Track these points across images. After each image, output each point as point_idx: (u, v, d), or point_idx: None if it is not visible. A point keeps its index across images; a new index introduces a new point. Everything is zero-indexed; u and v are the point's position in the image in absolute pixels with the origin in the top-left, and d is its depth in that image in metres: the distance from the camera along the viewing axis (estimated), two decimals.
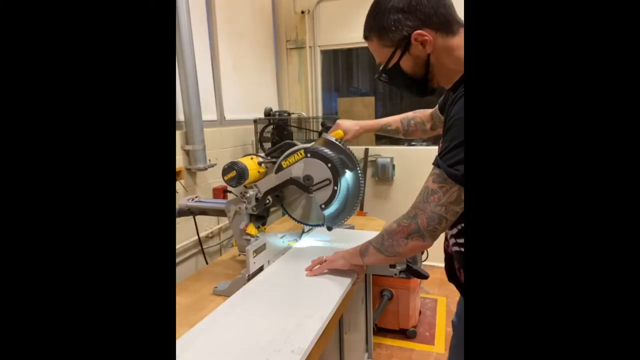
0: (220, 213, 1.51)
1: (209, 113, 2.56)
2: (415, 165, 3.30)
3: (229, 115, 2.80)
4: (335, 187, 1.29)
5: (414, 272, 1.34)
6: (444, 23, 0.84)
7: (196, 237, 2.35)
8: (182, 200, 1.57)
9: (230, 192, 2.58)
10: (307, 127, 2.82)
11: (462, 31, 0.87)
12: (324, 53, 3.66)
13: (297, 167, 1.31)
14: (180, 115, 2.26)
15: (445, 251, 1.10)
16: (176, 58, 2.10)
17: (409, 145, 3.57)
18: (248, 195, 1.38)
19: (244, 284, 1.20)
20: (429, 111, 1.36)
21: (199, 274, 1.49)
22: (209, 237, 2.52)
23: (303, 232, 1.64)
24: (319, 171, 1.30)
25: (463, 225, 0.96)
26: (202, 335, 0.92)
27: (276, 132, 2.70)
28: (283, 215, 1.58)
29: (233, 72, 2.88)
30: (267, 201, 1.38)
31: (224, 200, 1.59)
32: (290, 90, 3.72)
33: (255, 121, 2.77)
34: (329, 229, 1.37)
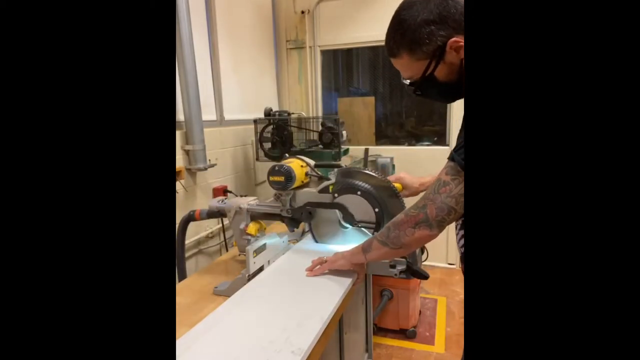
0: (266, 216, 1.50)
1: (208, 113, 2.56)
2: (416, 165, 3.30)
3: (228, 116, 2.80)
4: (374, 232, 1.29)
5: (414, 272, 1.34)
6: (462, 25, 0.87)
7: (196, 237, 2.36)
8: (234, 201, 1.52)
9: (230, 191, 2.59)
10: (307, 127, 2.82)
11: None
12: (324, 53, 3.66)
13: (345, 197, 1.33)
14: (180, 115, 2.26)
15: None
16: (176, 58, 2.10)
17: (409, 145, 3.57)
18: (282, 198, 1.39)
19: (244, 284, 1.20)
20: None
21: (199, 274, 1.49)
22: (209, 237, 2.52)
23: (303, 232, 1.64)
24: (366, 212, 1.30)
25: None
26: (202, 335, 0.92)
27: (276, 132, 2.70)
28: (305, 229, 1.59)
29: (233, 72, 2.88)
30: (302, 213, 1.39)
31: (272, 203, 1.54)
32: (290, 90, 3.72)
33: (255, 121, 2.77)
34: None
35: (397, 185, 1.34)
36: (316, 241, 1.44)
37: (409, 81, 0.97)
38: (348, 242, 1.38)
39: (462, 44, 0.85)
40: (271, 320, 0.97)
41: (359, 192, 1.30)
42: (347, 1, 3.42)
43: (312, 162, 1.46)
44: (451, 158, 0.89)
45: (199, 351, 0.86)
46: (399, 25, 0.90)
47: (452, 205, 0.88)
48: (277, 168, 1.34)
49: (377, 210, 1.29)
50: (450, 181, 0.88)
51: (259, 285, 1.19)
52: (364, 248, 1.11)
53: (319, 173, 1.44)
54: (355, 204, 1.31)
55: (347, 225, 1.36)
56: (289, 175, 1.32)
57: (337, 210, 1.35)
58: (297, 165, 1.39)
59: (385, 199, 1.29)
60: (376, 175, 1.30)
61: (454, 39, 0.85)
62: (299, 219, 1.42)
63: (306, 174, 1.42)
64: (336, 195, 1.34)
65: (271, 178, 1.34)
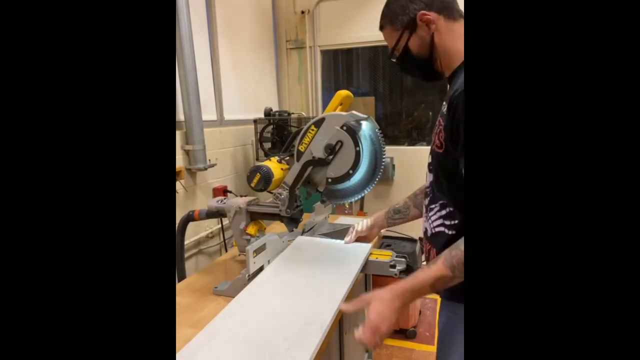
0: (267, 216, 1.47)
1: (208, 113, 2.56)
2: (416, 165, 3.29)
3: (228, 115, 2.80)
4: (358, 148, 1.22)
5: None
6: (445, 7, 0.95)
7: (196, 237, 2.36)
8: (236, 201, 1.49)
9: (230, 191, 2.59)
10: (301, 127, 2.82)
11: (462, 20, 0.96)
12: (324, 53, 3.66)
13: (316, 144, 1.24)
14: (180, 115, 2.26)
15: (426, 232, 1.06)
16: (176, 58, 2.10)
17: (409, 145, 3.57)
18: (282, 197, 1.36)
19: (244, 284, 1.20)
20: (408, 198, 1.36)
21: (199, 274, 1.49)
22: (209, 237, 2.52)
23: (304, 231, 1.64)
24: (334, 136, 1.22)
25: (452, 209, 0.95)
26: (204, 347, 0.90)
27: (276, 132, 2.70)
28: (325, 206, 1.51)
29: (233, 72, 2.88)
30: (297, 198, 1.34)
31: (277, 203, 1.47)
32: (290, 90, 3.72)
33: (255, 121, 2.77)
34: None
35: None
36: (344, 202, 1.33)
37: (393, 57, 1.05)
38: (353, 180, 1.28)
39: (431, 17, 0.94)
40: (271, 329, 0.95)
41: (318, 127, 1.22)
42: (347, 1, 3.42)
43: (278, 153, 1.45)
44: (461, 156, 0.88)
45: None
46: (386, 1, 1.03)
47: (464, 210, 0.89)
48: (249, 173, 1.33)
49: (342, 127, 1.21)
50: None
51: (259, 288, 1.18)
52: (436, 287, 0.89)
53: (289, 153, 1.37)
54: (329, 136, 1.23)
55: (330, 161, 1.24)
56: (263, 171, 1.31)
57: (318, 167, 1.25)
58: (266, 162, 1.39)
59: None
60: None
61: (422, 12, 0.94)
62: (302, 211, 1.39)
63: (279, 161, 1.40)
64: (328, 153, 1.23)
65: (252, 184, 1.33)
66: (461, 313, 0.88)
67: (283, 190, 1.35)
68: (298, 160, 1.29)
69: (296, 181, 1.32)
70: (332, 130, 1.23)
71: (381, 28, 1.05)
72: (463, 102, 0.83)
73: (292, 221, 1.42)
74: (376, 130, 1.27)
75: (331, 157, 1.24)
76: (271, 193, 1.41)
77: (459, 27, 0.95)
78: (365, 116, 1.25)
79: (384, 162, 1.26)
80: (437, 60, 0.98)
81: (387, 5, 1.02)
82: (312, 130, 1.26)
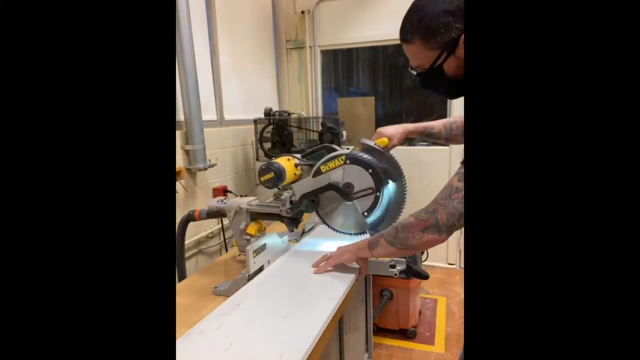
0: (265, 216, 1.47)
1: (208, 113, 2.56)
2: (416, 165, 3.30)
3: (228, 115, 2.80)
4: (378, 194, 1.25)
5: (414, 272, 1.34)
6: None
7: (196, 237, 2.36)
8: (232, 201, 1.49)
9: (230, 191, 2.59)
10: (307, 127, 2.82)
11: None
12: (324, 53, 3.66)
13: (337, 173, 1.28)
14: (180, 115, 2.26)
15: None
16: (176, 58, 2.10)
17: (409, 145, 3.57)
18: (283, 197, 1.37)
19: (244, 284, 1.20)
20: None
21: (199, 274, 1.49)
22: (209, 237, 2.52)
23: (304, 232, 1.64)
24: (361, 179, 1.25)
25: None
26: (195, 342, 0.90)
27: (276, 132, 2.70)
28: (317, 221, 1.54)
29: (233, 72, 2.88)
30: (303, 206, 1.35)
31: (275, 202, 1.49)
32: (290, 90, 3.72)
33: (255, 121, 2.77)
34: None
35: (382, 141, 1.29)
36: (334, 229, 1.37)
37: (416, 71, 0.97)
38: (373, 216, 1.32)
39: None
40: (265, 332, 0.93)
41: (348, 162, 1.25)
42: (347, 1, 3.41)
43: (298, 155, 1.45)
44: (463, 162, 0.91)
45: None
46: (417, 10, 0.89)
47: (462, 210, 0.89)
48: (264, 167, 1.32)
49: (370, 171, 1.24)
50: (462, 188, 0.89)
51: (256, 288, 1.17)
52: (370, 244, 1.11)
53: (308, 161, 1.41)
54: (350, 174, 1.27)
55: (352, 199, 1.29)
56: (278, 170, 1.31)
57: (331, 192, 1.30)
58: (284, 160, 1.38)
59: (375, 158, 1.26)
60: (355, 146, 1.28)
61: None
62: (300, 214, 1.39)
63: (295, 165, 1.40)
64: (329, 177, 1.29)
65: (262, 178, 1.33)
66: None
67: (286, 192, 1.35)
68: (314, 177, 1.31)
69: (307, 195, 1.32)
70: (360, 173, 1.25)
71: (406, 41, 0.93)
72: None
73: (293, 221, 1.42)
74: (403, 191, 1.29)
75: (355, 196, 1.26)
76: (279, 189, 1.40)
77: None
78: (401, 176, 1.28)
79: (397, 218, 1.29)
80: None
81: (418, 20, 0.88)
82: (341, 160, 1.27)
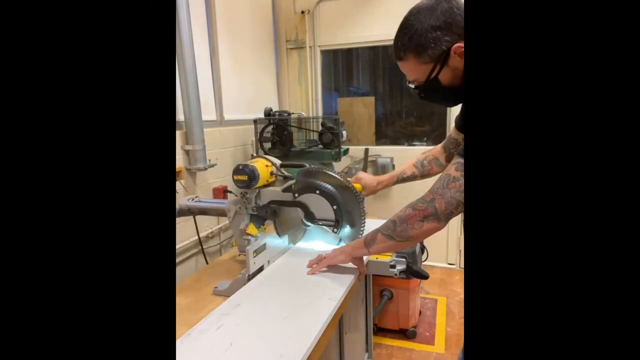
0: (220, 213, 1.51)
1: (208, 113, 2.56)
2: None
3: (228, 116, 2.80)
4: (335, 230, 1.36)
5: (414, 272, 1.34)
6: None
7: (196, 237, 2.36)
8: (182, 200, 1.57)
9: (230, 192, 2.59)
10: (307, 127, 2.82)
11: None
12: (324, 53, 3.66)
13: (306, 197, 1.36)
14: (180, 115, 2.26)
15: None
16: (176, 58, 2.10)
17: (409, 145, 3.57)
18: (248, 196, 1.40)
19: (244, 284, 1.20)
20: (439, 146, 1.42)
21: (199, 274, 1.49)
22: (209, 237, 2.52)
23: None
24: (325, 211, 1.35)
25: None
26: (195, 342, 0.90)
27: (276, 132, 2.70)
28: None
29: (233, 72, 2.88)
30: (266, 211, 1.41)
31: (224, 200, 1.59)
32: (290, 90, 3.72)
33: (255, 121, 2.77)
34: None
35: (357, 185, 1.38)
36: (280, 236, 1.47)
37: (413, 85, 1.01)
38: (311, 239, 1.46)
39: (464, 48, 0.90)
40: (263, 335, 0.93)
41: (317, 192, 1.34)
42: (347, 1, 3.41)
43: (277, 162, 1.48)
44: (460, 154, 0.95)
45: None
46: (406, 29, 0.93)
47: (461, 199, 0.93)
48: (241, 167, 1.35)
49: (335, 207, 1.33)
50: (460, 177, 0.93)
51: (255, 289, 1.17)
52: (367, 242, 1.12)
53: (284, 173, 1.46)
54: (315, 202, 1.36)
55: (309, 224, 1.40)
56: (252, 174, 1.33)
57: (298, 209, 1.39)
58: (262, 165, 1.40)
59: (344, 197, 1.34)
60: (335, 175, 1.35)
61: (457, 44, 0.89)
62: (264, 216, 1.45)
63: (271, 173, 1.43)
64: (297, 195, 1.37)
65: (235, 177, 1.35)
66: None
67: (252, 193, 1.39)
68: (283, 191, 1.40)
69: (276, 203, 1.40)
70: (326, 207, 1.34)
71: (400, 59, 0.98)
72: None
73: (259, 219, 1.45)
74: (360, 232, 1.37)
75: (319, 222, 1.37)
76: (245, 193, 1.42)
77: None
78: (359, 223, 1.36)
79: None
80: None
81: (408, 37, 0.93)
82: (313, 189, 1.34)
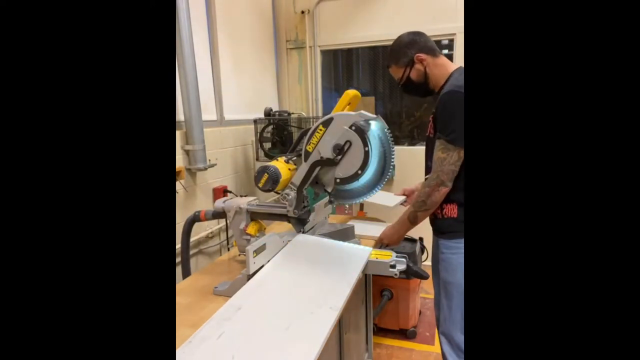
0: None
1: (208, 113, 2.56)
2: (416, 165, 3.29)
3: (228, 116, 2.80)
4: (366, 148, 1.24)
5: (414, 272, 1.34)
6: (431, 49, 1.49)
7: (196, 237, 2.36)
8: (240, 202, 1.49)
9: (230, 191, 2.59)
10: (307, 127, 2.81)
11: (442, 56, 1.50)
12: (324, 53, 3.66)
13: (324, 145, 1.26)
14: (180, 115, 2.26)
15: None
16: (176, 58, 2.10)
17: (409, 145, 3.57)
18: (290, 197, 1.35)
19: (244, 284, 1.20)
20: (420, 183, 1.73)
21: (199, 274, 1.49)
22: (209, 237, 2.52)
23: (303, 232, 1.64)
24: (342, 135, 1.24)
25: None
26: (196, 353, 0.89)
27: (276, 132, 2.70)
28: (333, 207, 1.54)
29: (233, 72, 2.88)
30: (305, 199, 1.35)
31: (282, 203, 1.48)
32: (290, 90, 3.72)
33: (255, 121, 2.77)
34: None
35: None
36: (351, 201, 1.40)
37: (399, 83, 1.54)
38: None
39: (422, 57, 1.46)
40: (264, 341, 0.93)
41: (326, 127, 1.25)
42: (347, 1, 3.41)
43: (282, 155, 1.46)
44: (438, 138, 1.36)
45: None
46: (390, 48, 1.55)
47: (454, 168, 1.36)
48: (257, 172, 1.33)
49: (352, 127, 1.24)
50: (446, 156, 1.35)
51: (256, 290, 1.16)
52: (410, 219, 1.46)
53: (296, 153, 1.41)
54: (338, 136, 1.26)
55: (338, 161, 1.28)
56: (272, 172, 1.31)
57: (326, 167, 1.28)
58: (274, 162, 1.39)
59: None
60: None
61: (418, 54, 1.47)
62: (309, 211, 1.41)
63: (286, 161, 1.40)
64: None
65: (260, 184, 1.33)
66: (441, 242, 1.48)
67: (291, 191, 1.34)
68: (306, 160, 1.30)
69: (304, 181, 1.32)
70: (340, 130, 1.25)
71: (388, 66, 1.57)
72: (442, 102, 1.36)
73: (300, 222, 1.41)
74: (385, 130, 1.31)
75: (340, 157, 1.25)
76: (277, 193, 1.40)
77: (440, 60, 1.48)
78: (374, 116, 1.28)
79: (393, 161, 1.31)
80: (429, 83, 1.50)
81: (391, 50, 1.53)
82: (320, 130, 1.27)
